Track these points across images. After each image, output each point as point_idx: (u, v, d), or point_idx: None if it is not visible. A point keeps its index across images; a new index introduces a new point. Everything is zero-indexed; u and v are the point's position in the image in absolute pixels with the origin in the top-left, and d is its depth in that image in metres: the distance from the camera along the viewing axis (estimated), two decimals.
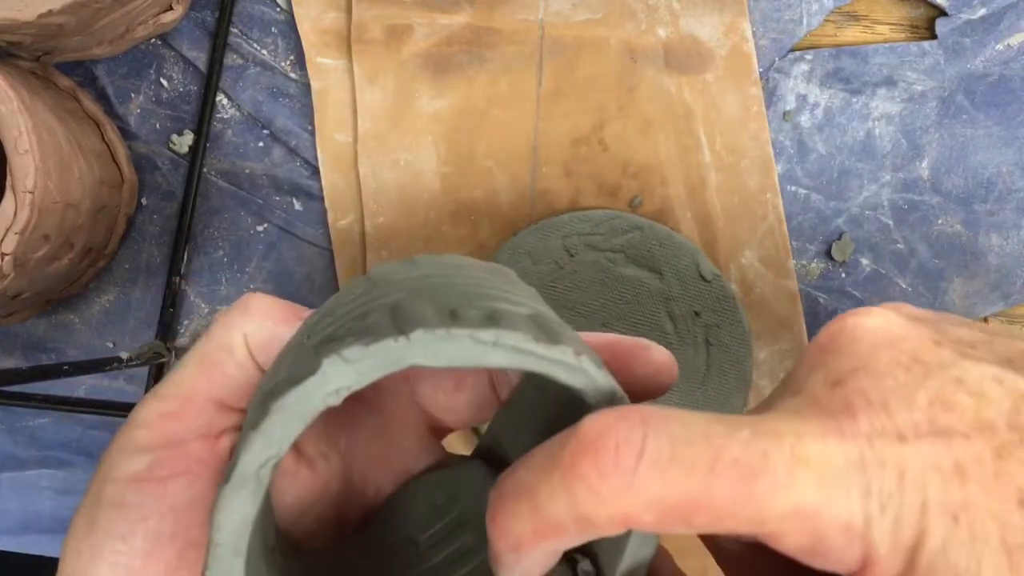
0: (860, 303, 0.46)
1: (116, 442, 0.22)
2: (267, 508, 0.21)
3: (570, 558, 0.21)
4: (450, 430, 0.26)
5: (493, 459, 0.24)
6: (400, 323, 0.18)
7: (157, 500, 0.22)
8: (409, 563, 0.23)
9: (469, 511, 0.24)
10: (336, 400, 0.18)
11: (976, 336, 0.19)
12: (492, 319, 0.18)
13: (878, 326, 0.20)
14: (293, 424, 0.18)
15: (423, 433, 0.25)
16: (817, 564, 0.18)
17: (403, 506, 0.24)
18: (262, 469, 0.18)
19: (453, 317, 0.18)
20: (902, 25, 0.47)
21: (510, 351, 0.18)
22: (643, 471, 0.17)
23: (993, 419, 0.17)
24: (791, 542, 0.17)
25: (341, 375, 0.17)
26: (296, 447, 0.24)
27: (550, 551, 0.19)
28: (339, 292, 0.20)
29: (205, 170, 0.46)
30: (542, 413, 0.19)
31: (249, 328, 0.23)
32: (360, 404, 0.25)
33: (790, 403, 0.19)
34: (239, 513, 0.18)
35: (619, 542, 0.20)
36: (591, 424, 0.18)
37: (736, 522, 0.17)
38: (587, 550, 0.21)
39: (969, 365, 0.18)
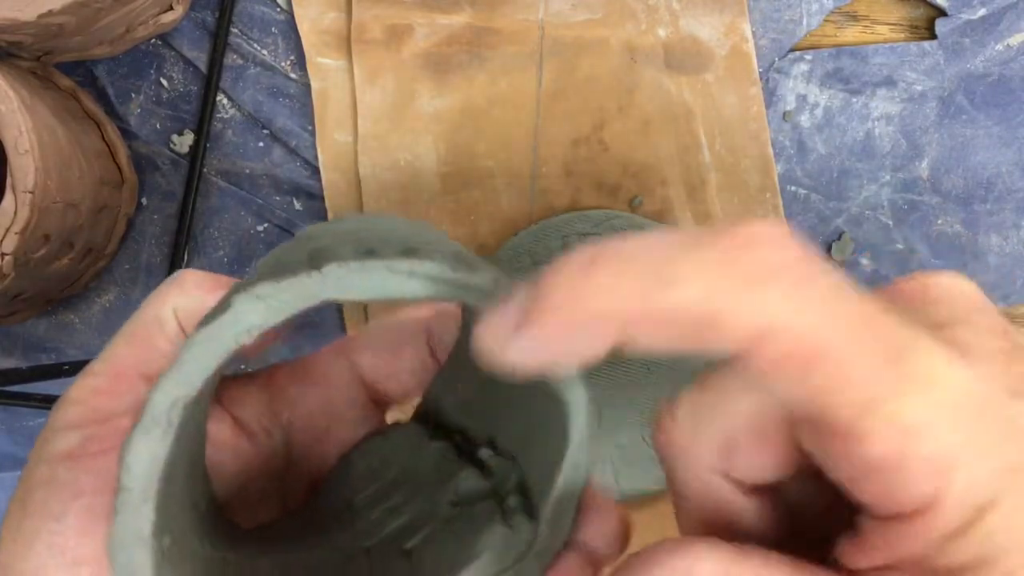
0: None
1: (49, 421, 0.22)
2: (193, 466, 0.20)
3: (497, 496, 0.21)
4: (395, 401, 0.26)
5: (429, 421, 0.24)
6: (315, 261, 0.17)
7: (90, 476, 0.21)
8: (342, 526, 0.23)
9: (403, 471, 0.24)
10: (248, 339, 0.17)
11: None
12: (409, 252, 0.17)
13: (974, 291, 0.19)
14: (204, 362, 0.17)
15: (366, 405, 0.25)
16: (868, 492, 0.16)
17: (341, 474, 0.24)
18: (172, 409, 0.17)
19: (369, 254, 0.17)
20: (902, 25, 0.47)
21: (426, 280, 0.17)
22: (817, 289, 0.15)
23: None
24: (874, 451, 0.15)
25: (252, 311, 0.17)
26: (237, 420, 0.23)
27: (611, 341, 0.15)
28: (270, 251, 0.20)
29: (205, 170, 0.46)
30: (480, 369, 0.18)
31: (180, 302, 0.23)
32: (302, 379, 0.25)
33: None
34: (149, 454, 0.17)
35: (550, 468, 0.20)
36: (766, 223, 0.15)
37: (849, 398, 0.15)
38: (516, 485, 0.21)
39: None
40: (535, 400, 0.20)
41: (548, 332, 0.15)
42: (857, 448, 0.15)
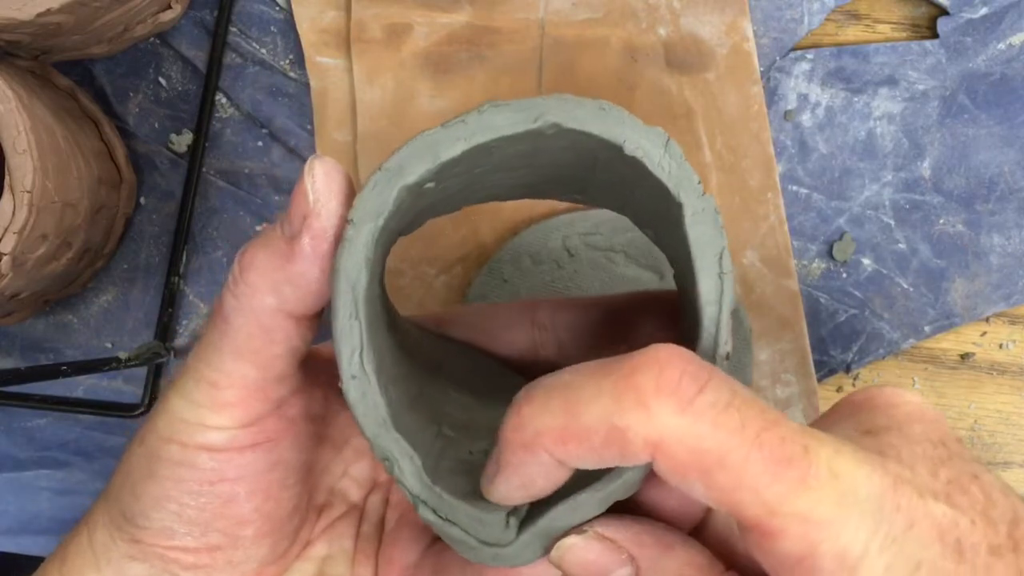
0: (862, 303, 0.46)
1: (178, 412, 0.23)
2: (382, 291, 0.23)
3: None
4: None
5: None
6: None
7: (234, 467, 0.23)
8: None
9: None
10: (465, 145, 0.20)
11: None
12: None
13: (916, 402, 0.21)
14: (418, 164, 0.20)
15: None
16: None
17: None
18: (379, 218, 0.20)
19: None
20: (903, 24, 0.47)
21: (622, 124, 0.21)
22: (698, 405, 0.17)
23: (996, 519, 0.18)
24: (784, 546, 0.17)
25: (496, 114, 0.20)
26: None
27: (555, 464, 0.19)
28: None
29: (204, 170, 0.46)
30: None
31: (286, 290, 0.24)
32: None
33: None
34: (361, 254, 0.20)
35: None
36: (660, 349, 0.18)
37: (751, 500, 0.17)
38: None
39: (983, 471, 0.19)
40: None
41: (510, 473, 0.19)
42: (773, 544, 0.17)
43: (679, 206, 0.21)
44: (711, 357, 0.21)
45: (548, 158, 0.22)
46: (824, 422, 0.21)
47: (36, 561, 0.47)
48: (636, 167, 0.21)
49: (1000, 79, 0.46)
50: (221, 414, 0.23)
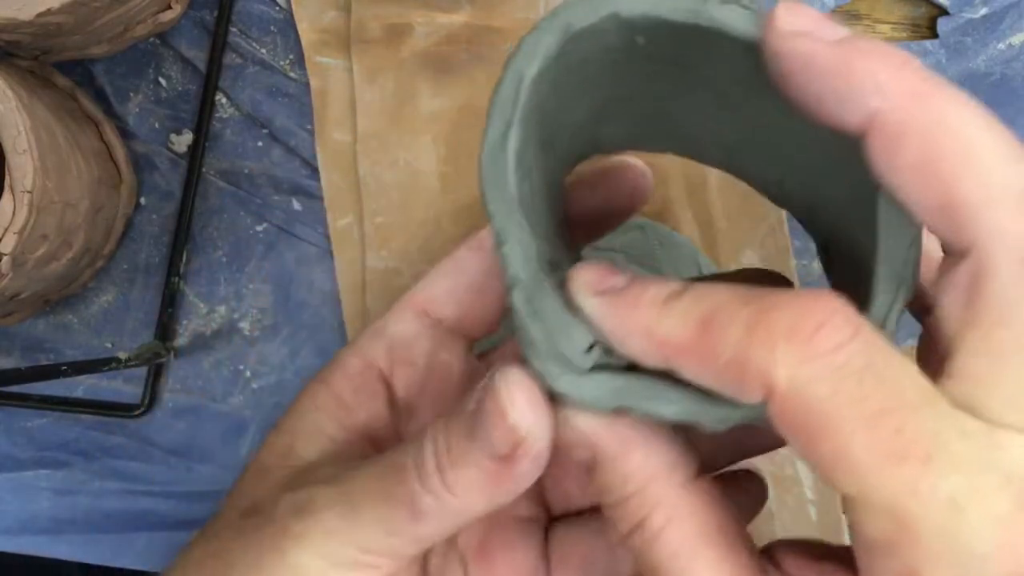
0: None
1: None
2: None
3: None
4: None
5: None
6: None
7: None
8: None
9: None
10: (545, 60, 0.20)
11: None
12: None
13: None
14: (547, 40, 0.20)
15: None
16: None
17: None
18: (524, 80, 0.21)
19: None
20: (903, 24, 0.47)
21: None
22: (825, 362, 0.16)
23: None
24: (867, 530, 0.16)
25: (544, 31, 0.20)
26: None
27: (663, 360, 0.18)
28: None
29: (204, 170, 0.46)
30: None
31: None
32: None
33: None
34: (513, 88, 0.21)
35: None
36: (812, 293, 0.17)
37: (843, 480, 0.16)
38: None
39: None
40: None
41: (615, 326, 0.19)
42: (862, 521, 0.16)
43: None
44: (880, 322, 0.19)
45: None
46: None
47: (36, 561, 0.47)
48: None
49: (1000, 79, 0.46)
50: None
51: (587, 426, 0.20)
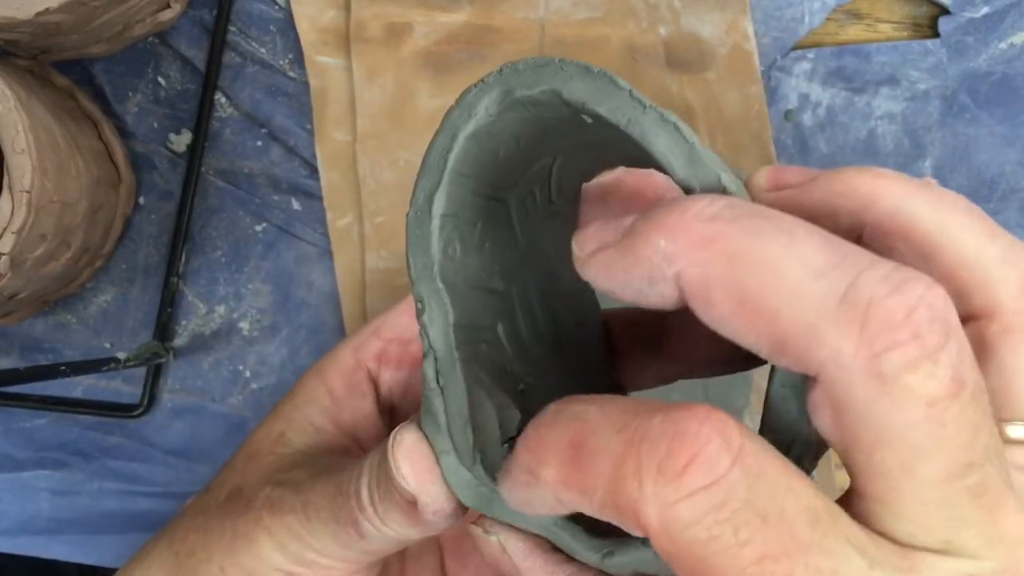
0: None
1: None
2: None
3: None
4: None
5: None
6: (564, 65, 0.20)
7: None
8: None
9: None
10: (486, 119, 0.20)
11: None
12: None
13: None
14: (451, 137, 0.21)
15: None
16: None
17: None
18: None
19: (614, 84, 0.19)
20: (904, 23, 0.47)
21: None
22: (692, 505, 0.15)
23: None
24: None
25: (484, 91, 0.21)
26: None
27: (557, 501, 0.18)
28: None
29: (203, 169, 0.46)
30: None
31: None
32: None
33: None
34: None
35: None
36: (688, 413, 0.15)
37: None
38: None
39: None
40: None
41: (510, 485, 0.19)
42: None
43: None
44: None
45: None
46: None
47: (36, 561, 0.47)
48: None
49: (1001, 78, 0.46)
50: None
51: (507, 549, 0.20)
